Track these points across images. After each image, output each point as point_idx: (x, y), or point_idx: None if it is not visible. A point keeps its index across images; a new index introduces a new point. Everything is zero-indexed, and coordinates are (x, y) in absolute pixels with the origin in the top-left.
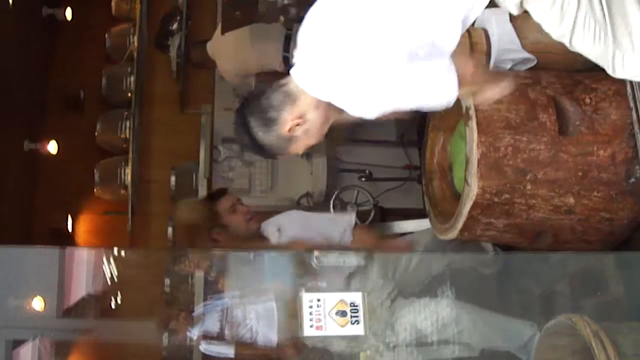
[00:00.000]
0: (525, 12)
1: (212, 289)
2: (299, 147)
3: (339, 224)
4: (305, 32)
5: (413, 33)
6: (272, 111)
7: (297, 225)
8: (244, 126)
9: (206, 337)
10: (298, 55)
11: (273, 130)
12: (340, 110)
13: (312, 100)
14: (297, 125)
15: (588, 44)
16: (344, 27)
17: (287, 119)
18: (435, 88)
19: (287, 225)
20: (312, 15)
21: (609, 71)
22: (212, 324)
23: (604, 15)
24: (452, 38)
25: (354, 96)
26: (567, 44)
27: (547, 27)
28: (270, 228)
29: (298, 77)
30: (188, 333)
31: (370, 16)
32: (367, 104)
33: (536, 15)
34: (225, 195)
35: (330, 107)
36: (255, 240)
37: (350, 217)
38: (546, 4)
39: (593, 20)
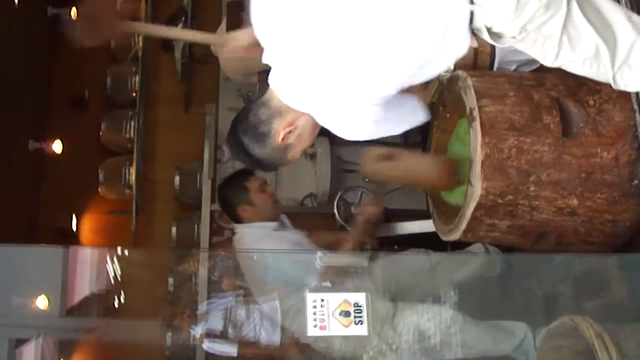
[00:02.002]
0: None
1: (216, 288)
2: (295, 153)
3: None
4: (270, 35)
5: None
6: (262, 126)
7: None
8: (240, 146)
9: (209, 335)
10: (268, 59)
11: (267, 143)
12: None
13: (297, 110)
14: (289, 132)
15: (579, 72)
16: (317, 35)
17: (278, 130)
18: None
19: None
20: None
21: (611, 84)
22: (215, 323)
23: (593, 49)
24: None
25: (327, 112)
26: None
27: (534, 57)
28: (284, 218)
29: (278, 91)
30: (191, 331)
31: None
32: (343, 123)
33: (520, 49)
34: (254, 175)
35: None
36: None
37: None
38: (527, 45)
39: (579, 57)
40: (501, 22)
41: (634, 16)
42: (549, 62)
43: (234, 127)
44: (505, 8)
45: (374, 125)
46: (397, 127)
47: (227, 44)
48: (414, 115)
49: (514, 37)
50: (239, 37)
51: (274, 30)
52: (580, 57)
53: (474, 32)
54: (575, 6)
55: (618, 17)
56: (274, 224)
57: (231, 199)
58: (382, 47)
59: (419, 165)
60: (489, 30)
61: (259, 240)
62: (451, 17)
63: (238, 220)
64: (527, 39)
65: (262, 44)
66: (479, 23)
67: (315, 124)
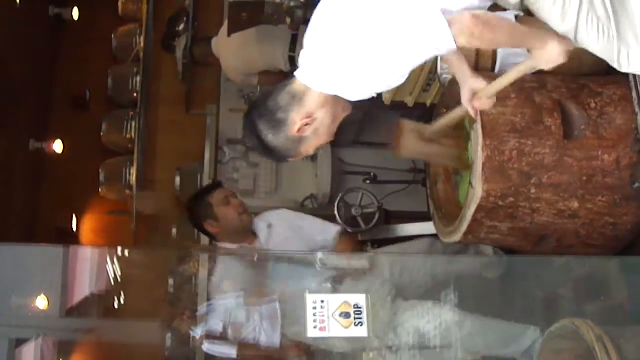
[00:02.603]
0: (531, 15)
1: (216, 289)
2: (309, 148)
3: (326, 232)
4: (311, 33)
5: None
6: (279, 112)
7: (287, 224)
8: (253, 130)
9: (209, 336)
10: (303, 56)
11: (282, 132)
12: (348, 108)
13: (319, 98)
14: (306, 125)
15: (592, 40)
16: (344, 23)
17: (295, 120)
18: (425, 35)
19: (277, 223)
20: (317, 17)
21: (615, 66)
22: (215, 324)
23: (607, 11)
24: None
25: (357, 82)
26: (572, 39)
27: (551, 24)
28: (261, 224)
29: (301, 75)
30: (191, 332)
31: (369, 15)
32: (370, 76)
33: (539, 14)
34: (220, 188)
35: (337, 104)
36: (246, 234)
37: (336, 229)
38: (547, 2)
39: (596, 17)
40: None
41: None
42: (570, 22)
43: (251, 110)
44: None
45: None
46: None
47: None
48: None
49: None
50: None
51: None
52: (597, 17)
53: None
54: None
55: None
56: (234, 246)
57: (197, 215)
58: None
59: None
60: None
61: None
62: None
63: (210, 236)
64: None
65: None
66: None
67: (334, 120)
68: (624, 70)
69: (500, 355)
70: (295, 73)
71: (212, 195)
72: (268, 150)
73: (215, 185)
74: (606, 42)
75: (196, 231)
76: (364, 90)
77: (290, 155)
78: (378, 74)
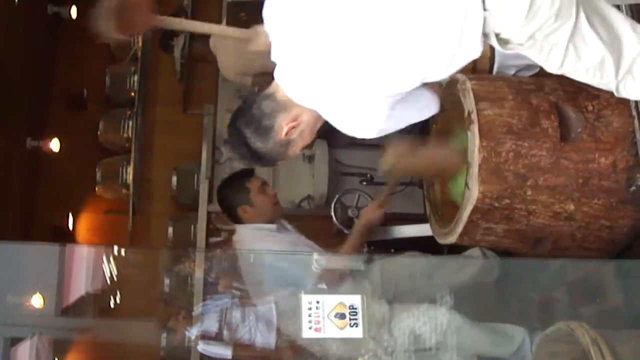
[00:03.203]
0: None
1: (212, 289)
2: (296, 149)
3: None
4: (280, 30)
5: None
6: (265, 119)
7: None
8: (241, 139)
9: (204, 337)
10: (276, 55)
11: (270, 137)
12: None
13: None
14: (293, 128)
15: (583, 79)
16: (324, 35)
17: (282, 125)
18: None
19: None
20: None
21: (614, 92)
22: (210, 324)
23: (598, 59)
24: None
25: (336, 108)
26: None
27: (539, 63)
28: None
29: (284, 85)
30: (186, 332)
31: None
32: (348, 118)
33: (525, 55)
34: (255, 175)
35: None
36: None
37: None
38: (533, 52)
39: (582, 66)
40: (510, 29)
41: (639, 27)
42: (553, 69)
43: (236, 120)
44: (517, 15)
45: (384, 121)
46: (404, 121)
47: (256, 38)
48: (427, 108)
49: (521, 44)
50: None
51: (287, 25)
52: (585, 66)
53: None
54: (583, 16)
55: (624, 28)
56: (273, 226)
57: (231, 199)
58: (399, 49)
59: (436, 157)
60: (497, 35)
61: (258, 242)
62: (466, 22)
63: (238, 220)
64: (534, 47)
65: (272, 39)
66: (488, 29)
67: (318, 119)
68: (622, 96)
69: (492, 356)
70: (277, 80)
71: (250, 182)
72: (258, 157)
73: (251, 171)
74: (599, 80)
75: (192, 230)
76: (351, 122)
77: (280, 159)
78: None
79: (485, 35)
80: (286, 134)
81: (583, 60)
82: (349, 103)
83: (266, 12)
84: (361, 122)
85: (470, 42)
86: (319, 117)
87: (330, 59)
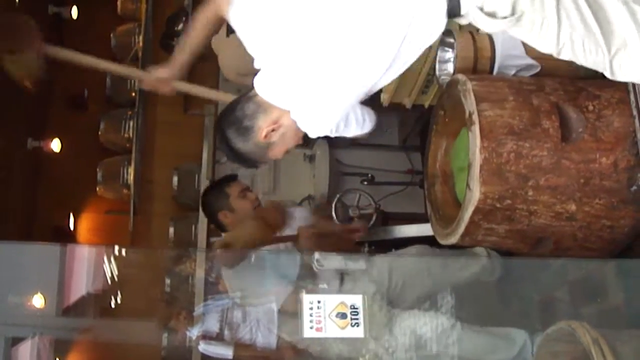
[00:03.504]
0: None
1: (213, 289)
2: (277, 152)
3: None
4: (258, 35)
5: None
6: (246, 120)
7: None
8: (223, 138)
9: (205, 337)
10: (257, 60)
11: (250, 138)
12: None
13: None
14: (273, 130)
15: (579, 57)
16: (299, 37)
17: (261, 127)
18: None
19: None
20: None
21: (608, 75)
22: (211, 324)
23: (589, 28)
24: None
25: (307, 109)
26: (556, 56)
27: (533, 45)
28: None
29: (259, 87)
30: (187, 332)
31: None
32: (317, 118)
33: (519, 37)
34: (236, 181)
35: None
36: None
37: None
38: (525, 29)
39: (578, 37)
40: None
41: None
42: (551, 46)
43: (221, 120)
44: None
45: (335, 123)
46: (349, 129)
47: (148, 77)
48: (364, 124)
49: (505, 17)
50: (160, 73)
51: (258, 32)
52: (580, 34)
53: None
54: None
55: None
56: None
57: (212, 205)
58: (354, 44)
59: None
60: (481, 10)
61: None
62: (419, 8)
63: (221, 227)
64: (524, 20)
65: (248, 49)
66: (468, 6)
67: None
68: (617, 79)
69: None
70: (255, 83)
71: (230, 187)
72: (238, 156)
73: (233, 177)
74: (594, 56)
75: (193, 231)
76: (313, 120)
77: (260, 161)
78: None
79: (466, 15)
80: (265, 136)
81: (577, 30)
82: (311, 103)
83: (234, 21)
84: (317, 121)
85: (425, 26)
86: None
87: (297, 55)
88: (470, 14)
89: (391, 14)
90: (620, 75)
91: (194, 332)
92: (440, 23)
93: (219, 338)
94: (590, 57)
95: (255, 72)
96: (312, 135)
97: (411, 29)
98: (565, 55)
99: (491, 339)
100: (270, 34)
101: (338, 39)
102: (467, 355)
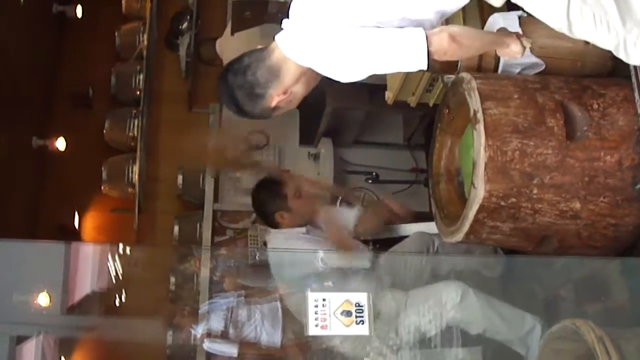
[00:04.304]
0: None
1: (217, 288)
2: (280, 112)
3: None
4: (298, 4)
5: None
6: (258, 88)
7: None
8: (231, 99)
9: (210, 335)
10: (287, 25)
11: (259, 104)
12: (318, 76)
13: (295, 72)
14: (283, 99)
15: (590, 32)
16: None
17: (273, 95)
18: (403, 53)
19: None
20: None
21: (622, 57)
22: (216, 323)
23: (602, 3)
24: (425, 11)
25: (331, 60)
26: (568, 34)
27: (544, 20)
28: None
29: (281, 43)
30: (192, 330)
31: None
32: (343, 68)
33: (529, 9)
34: (292, 179)
35: (311, 75)
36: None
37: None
38: (537, 2)
39: (589, 10)
40: None
41: None
42: (561, 19)
43: (228, 75)
44: None
45: (367, 62)
46: (387, 64)
47: None
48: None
49: None
50: None
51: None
52: (590, 9)
53: None
54: None
55: None
56: (303, 229)
57: (268, 205)
58: None
59: None
60: None
61: (288, 245)
62: None
63: (274, 226)
64: None
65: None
66: None
67: (307, 89)
68: (632, 61)
69: (497, 338)
70: (276, 39)
71: (286, 187)
72: (243, 114)
73: (287, 176)
74: (606, 33)
75: (198, 229)
76: (340, 70)
77: (262, 118)
78: (351, 55)
79: None
80: (275, 103)
81: (588, 1)
82: (336, 40)
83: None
84: (348, 59)
85: None
86: (308, 87)
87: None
88: None
89: None
90: (636, 55)
91: (198, 330)
92: None
93: (223, 336)
94: (601, 31)
95: None
96: (345, 79)
97: None
98: (577, 31)
99: (502, 311)
100: None
101: None
102: (476, 325)
